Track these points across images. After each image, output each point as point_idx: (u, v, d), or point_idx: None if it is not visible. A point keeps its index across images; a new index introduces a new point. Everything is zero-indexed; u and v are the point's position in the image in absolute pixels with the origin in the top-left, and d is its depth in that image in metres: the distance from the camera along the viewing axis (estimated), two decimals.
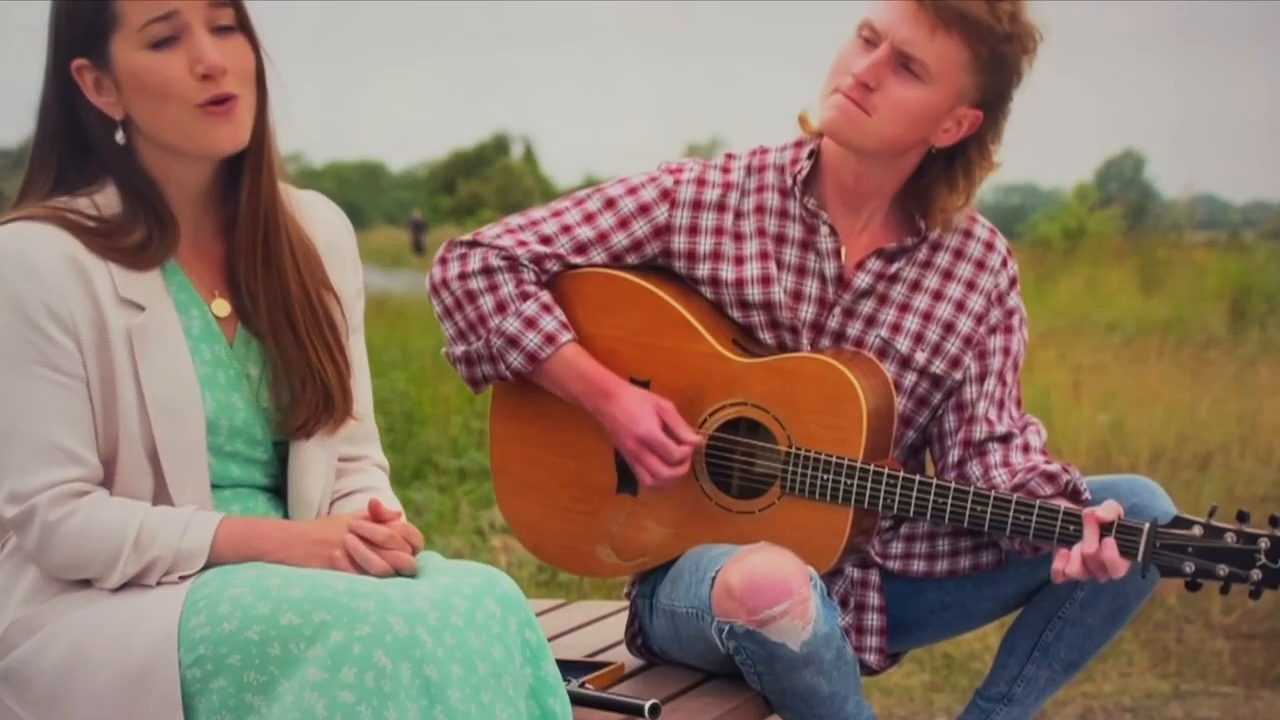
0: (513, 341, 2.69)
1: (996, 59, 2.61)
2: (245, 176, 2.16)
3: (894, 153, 2.67)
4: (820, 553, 2.61)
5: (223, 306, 2.18)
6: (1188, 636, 5.06)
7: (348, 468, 2.31)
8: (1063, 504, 2.55)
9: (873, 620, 2.78)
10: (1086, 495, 2.63)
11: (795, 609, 2.44)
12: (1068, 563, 2.51)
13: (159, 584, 2.03)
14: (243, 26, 2.11)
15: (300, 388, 2.19)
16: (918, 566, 2.80)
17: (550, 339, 2.69)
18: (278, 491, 2.24)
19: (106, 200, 2.11)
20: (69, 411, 2.03)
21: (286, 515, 2.24)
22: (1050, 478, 2.65)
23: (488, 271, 2.71)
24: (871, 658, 2.77)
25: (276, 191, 2.19)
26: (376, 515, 2.11)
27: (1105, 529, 2.50)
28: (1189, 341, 11.63)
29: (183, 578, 2.03)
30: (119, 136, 2.10)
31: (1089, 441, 7.37)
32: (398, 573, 2.05)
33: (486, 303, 2.71)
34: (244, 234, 2.17)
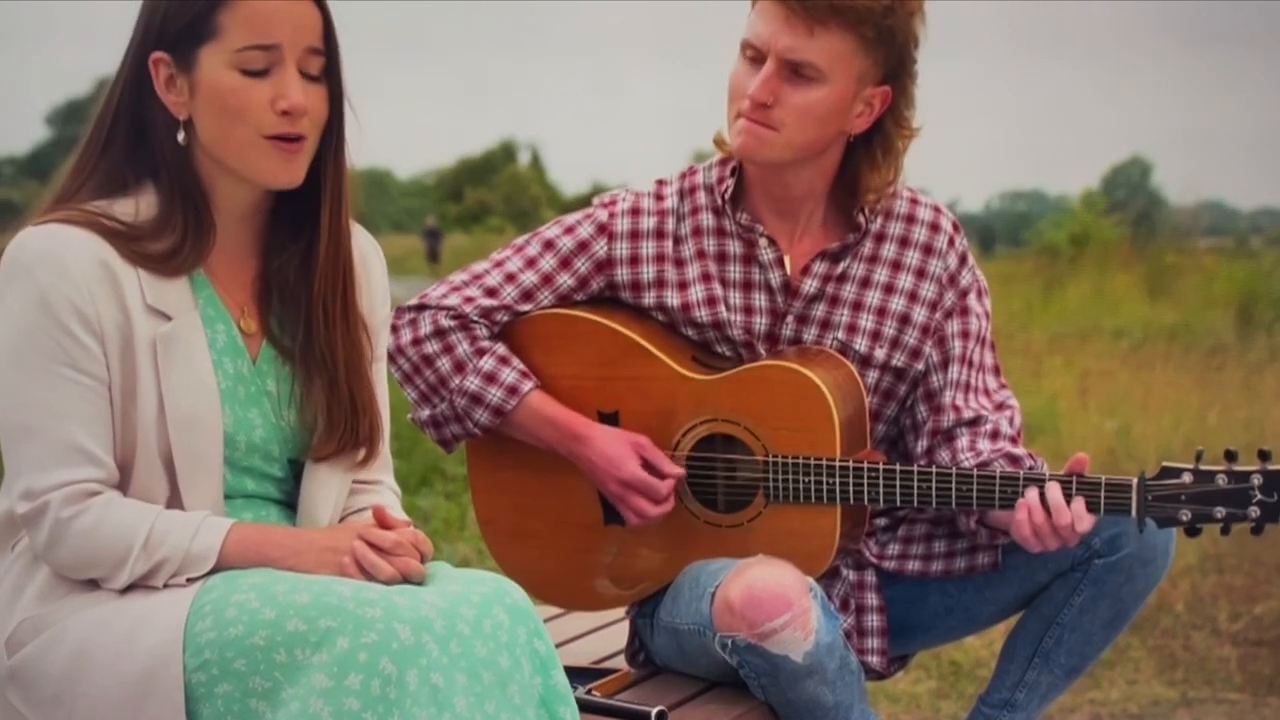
0: (476, 399, 2.70)
1: (883, 33, 2.60)
2: (325, 215, 2.19)
3: (813, 155, 2.67)
4: (814, 555, 2.62)
5: (250, 324, 2.20)
6: (1195, 643, 5.05)
7: (361, 488, 2.32)
8: (1024, 473, 2.55)
9: (873, 621, 2.78)
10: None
11: (796, 621, 2.44)
12: (1016, 529, 2.53)
13: (166, 586, 2.04)
14: (328, 78, 2.15)
15: (332, 419, 2.21)
16: (913, 566, 2.80)
17: (513, 390, 2.70)
18: (290, 506, 2.25)
19: (146, 204, 2.12)
20: (89, 413, 2.05)
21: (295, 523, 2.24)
22: (1013, 460, 2.65)
23: (440, 333, 2.71)
24: (874, 659, 2.77)
25: (350, 233, 2.23)
26: (382, 521, 2.11)
27: (1091, 489, 2.50)
28: (1196, 348, 11.63)
29: (190, 580, 2.03)
30: (180, 136, 2.12)
31: (1096, 448, 7.37)
32: (406, 580, 2.06)
33: (444, 364, 2.71)
34: (325, 276, 2.19)
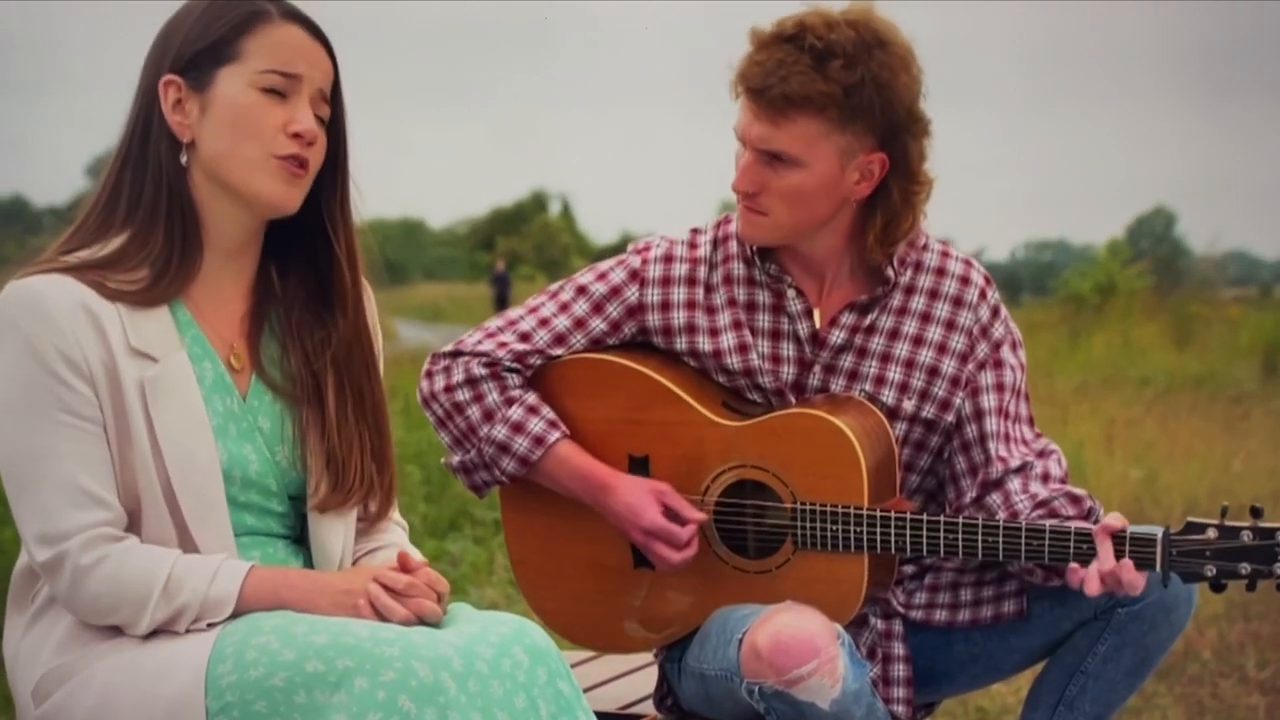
0: (503, 448, 2.73)
1: (853, 110, 2.60)
2: (343, 273, 2.23)
3: (814, 228, 2.70)
4: (841, 603, 2.63)
5: (239, 361, 2.21)
6: (1223, 691, 5.03)
7: (369, 528, 2.34)
8: (1075, 525, 2.57)
9: (899, 671, 2.78)
10: None
11: (824, 668, 2.45)
12: (1086, 584, 2.53)
13: (188, 631, 2.05)
14: (332, 130, 2.20)
15: (342, 471, 2.23)
16: (940, 616, 2.81)
17: (539, 440, 2.73)
18: (295, 540, 2.27)
19: (122, 239, 2.14)
20: (90, 455, 2.06)
21: (309, 562, 2.26)
22: (1075, 499, 2.66)
23: (471, 382, 2.75)
24: (899, 708, 2.77)
25: (364, 288, 2.28)
26: (404, 565, 2.13)
27: (1118, 542, 2.52)
28: (1222, 396, 11.63)
29: (211, 625, 2.04)
30: (183, 158, 2.14)
31: (1122, 495, 7.37)
32: (422, 620, 2.07)
33: (474, 413, 2.75)
34: (349, 330, 2.24)
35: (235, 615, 2.05)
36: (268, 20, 2.14)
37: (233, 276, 2.22)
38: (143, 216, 2.14)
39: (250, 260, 2.23)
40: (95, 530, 2.05)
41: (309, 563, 2.26)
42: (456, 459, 2.80)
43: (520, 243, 55.68)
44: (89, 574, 2.04)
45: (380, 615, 2.06)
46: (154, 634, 2.06)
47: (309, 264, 2.25)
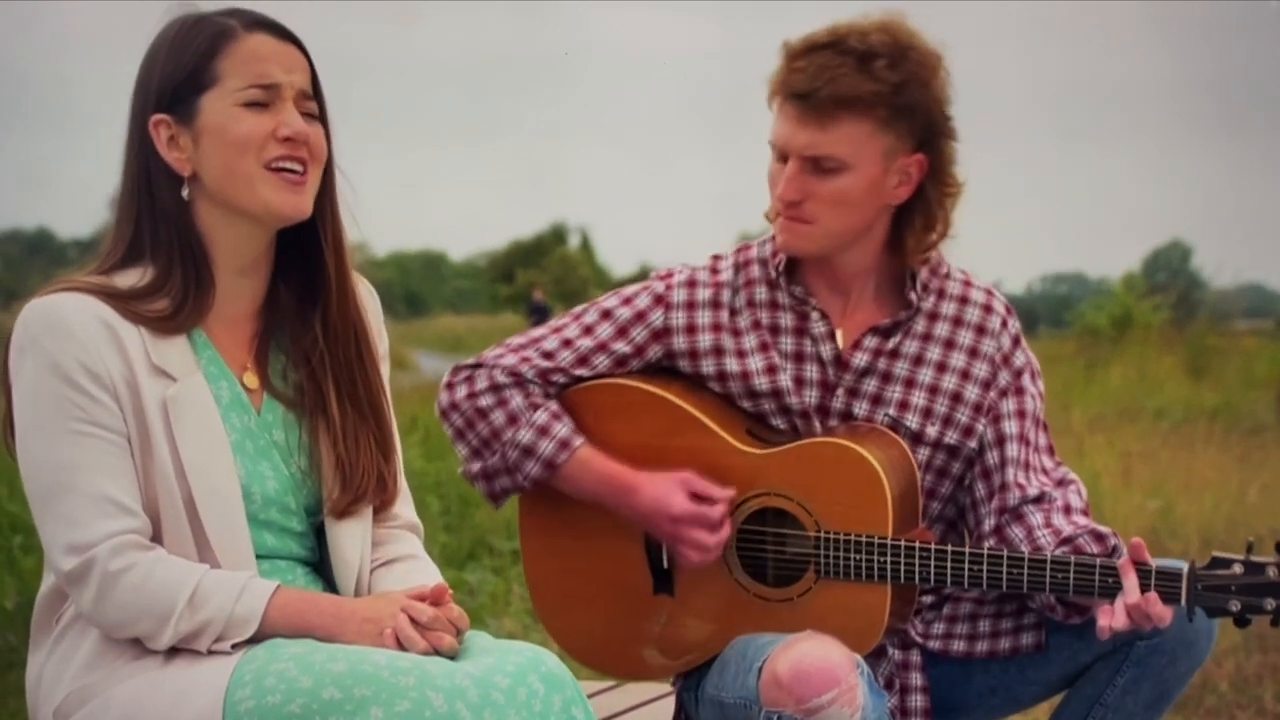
0: (528, 451, 2.74)
1: (900, 109, 2.64)
2: (330, 261, 2.25)
3: (856, 236, 2.73)
4: (862, 633, 2.64)
5: (251, 379, 2.24)
6: None
7: (382, 535, 2.35)
8: (1099, 559, 2.58)
9: (916, 702, 2.79)
10: None
11: (843, 697, 2.45)
12: (1112, 617, 2.54)
13: (210, 651, 2.07)
14: (322, 120, 2.23)
15: (347, 471, 2.25)
16: (958, 646, 2.82)
17: (565, 444, 2.73)
18: (315, 566, 2.29)
19: (148, 271, 2.18)
20: (115, 466, 2.09)
21: (328, 586, 2.28)
22: (1099, 537, 2.66)
23: (495, 389, 2.77)
24: None
25: (353, 277, 2.30)
26: (436, 599, 2.15)
27: (1143, 576, 2.53)
28: (1237, 428, 11.61)
29: (235, 646, 2.06)
30: (184, 192, 2.18)
31: (1139, 527, 7.36)
32: (438, 653, 2.08)
33: (498, 418, 2.76)
34: (336, 323, 2.26)
35: (259, 636, 2.07)
36: (234, 37, 2.17)
37: (247, 296, 2.26)
38: (162, 259, 2.18)
39: (263, 276, 2.27)
40: (123, 537, 2.08)
41: (328, 587, 2.28)
42: (477, 466, 2.80)
43: (539, 275, 55.71)
44: (116, 581, 2.06)
45: (402, 645, 2.08)
46: (175, 656, 2.08)
47: (307, 270, 2.28)
